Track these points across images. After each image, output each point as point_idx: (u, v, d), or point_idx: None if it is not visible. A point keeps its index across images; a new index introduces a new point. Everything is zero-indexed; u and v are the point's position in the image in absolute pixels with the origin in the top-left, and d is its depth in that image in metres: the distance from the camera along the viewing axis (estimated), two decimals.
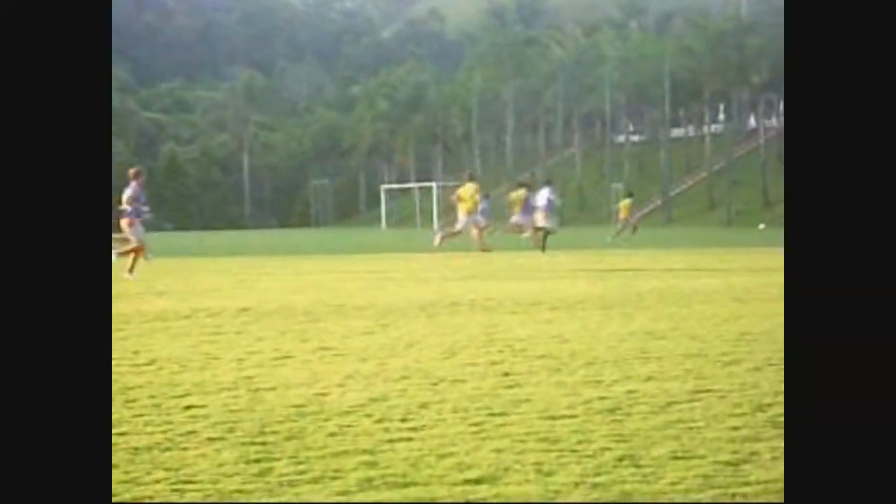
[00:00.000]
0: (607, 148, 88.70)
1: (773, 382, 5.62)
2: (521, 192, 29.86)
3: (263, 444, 4.23)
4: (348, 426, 4.57)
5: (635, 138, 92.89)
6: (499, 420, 4.68)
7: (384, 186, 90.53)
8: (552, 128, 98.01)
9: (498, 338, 7.81)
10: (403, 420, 4.69)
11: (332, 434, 4.41)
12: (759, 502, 3.24)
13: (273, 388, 5.59)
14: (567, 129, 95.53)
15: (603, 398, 5.22)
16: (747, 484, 3.55)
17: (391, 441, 4.27)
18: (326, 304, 10.97)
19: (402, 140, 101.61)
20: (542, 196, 28.68)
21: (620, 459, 3.91)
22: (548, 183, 30.18)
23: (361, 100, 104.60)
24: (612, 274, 17.19)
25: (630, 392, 5.38)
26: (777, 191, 66.03)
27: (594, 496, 3.42)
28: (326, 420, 4.71)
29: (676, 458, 3.93)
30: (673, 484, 3.56)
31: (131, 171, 19.53)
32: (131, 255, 18.55)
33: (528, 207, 28.63)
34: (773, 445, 4.10)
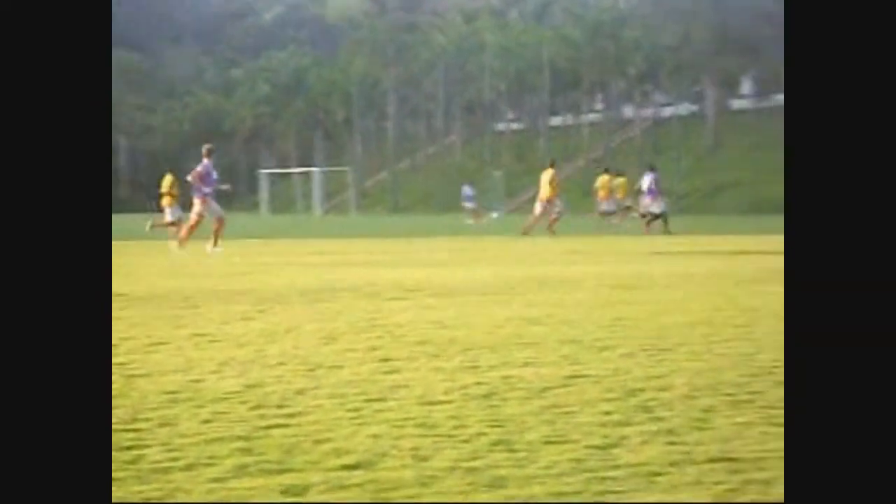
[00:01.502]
0: (487, 135, 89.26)
1: (644, 368, 5.74)
2: (606, 178, 31.54)
3: (136, 430, 4.18)
4: (223, 413, 4.54)
5: (515, 126, 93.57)
6: (376, 406, 4.69)
7: (264, 171, 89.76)
8: (433, 115, 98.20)
9: (378, 324, 7.82)
10: (279, 406, 4.68)
11: (207, 421, 4.37)
12: (759, 502, 3.31)
13: (146, 375, 5.52)
14: (448, 116, 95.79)
15: (479, 384, 5.27)
16: (616, 467, 3.62)
17: (267, 427, 4.25)
18: (204, 290, 10.86)
19: (282, 125, 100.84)
20: (647, 181, 30.07)
21: (495, 444, 3.95)
22: (651, 168, 31.60)
23: (242, 83, 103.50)
24: (491, 261, 17.33)
25: (506, 378, 5.44)
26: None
27: (468, 480, 3.46)
28: (200, 407, 4.67)
29: (550, 442, 3.99)
30: (546, 468, 3.62)
31: (205, 149, 20.21)
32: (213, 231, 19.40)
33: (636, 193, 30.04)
34: (642, 429, 4.20)
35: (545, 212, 28.21)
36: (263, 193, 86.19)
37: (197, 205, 20.20)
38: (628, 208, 34.30)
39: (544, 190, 28.10)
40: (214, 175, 20.28)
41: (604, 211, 34.13)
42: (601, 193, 34.23)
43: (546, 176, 28.38)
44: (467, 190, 51.15)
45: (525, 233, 27.83)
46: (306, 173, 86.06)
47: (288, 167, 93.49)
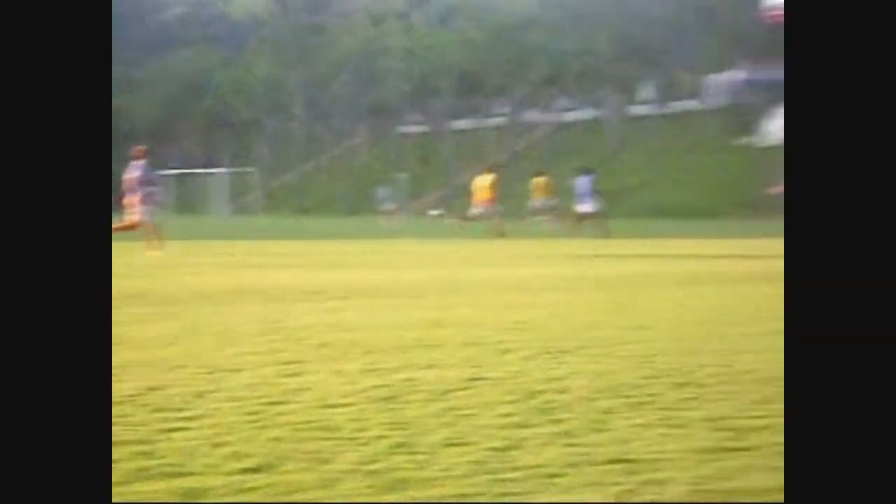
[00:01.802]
0: (392, 138, 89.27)
1: (545, 370, 5.80)
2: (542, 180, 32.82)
3: None
4: (122, 416, 4.49)
5: (419, 129, 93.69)
6: (277, 409, 4.68)
7: (168, 172, 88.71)
8: (338, 116, 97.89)
9: (281, 326, 7.79)
10: (180, 409, 4.64)
11: None
12: (755, 502, 3.34)
13: None
14: (353, 117, 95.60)
15: (381, 386, 5.28)
16: (516, 469, 3.66)
17: (167, 431, 4.21)
18: None
19: (187, 125, 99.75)
20: (583, 183, 31.21)
21: (396, 446, 3.97)
22: (587, 171, 33.35)
23: (146, 83, 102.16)
24: (395, 262, 17.34)
25: (408, 380, 5.46)
26: (555, 183, 67.59)
27: (368, 483, 3.47)
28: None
29: (450, 444, 4.02)
30: (446, 470, 3.64)
31: (138, 150, 19.80)
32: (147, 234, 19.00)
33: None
34: (541, 431, 4.24)
35: (493, 212, 29.41)
36: (168, 194, 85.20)
37: (134, 206, 20.07)
38: (553, 209, 35.01)
39: (482, 193, 29.37)
40: (150, 176, 20.25)
41: (536, 210, 34.92)
42: (535, 195, 35.09)
43: (484, 181, 29.71)
44: (382, 192, 51.43)
45: (500, 235, 28.68)
46: (212, 174, 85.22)
47: (193, 167, 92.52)
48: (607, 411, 4.67)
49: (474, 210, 30.14)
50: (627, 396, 5.01)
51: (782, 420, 4.42)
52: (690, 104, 73.99)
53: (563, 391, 5.15)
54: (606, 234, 30.32)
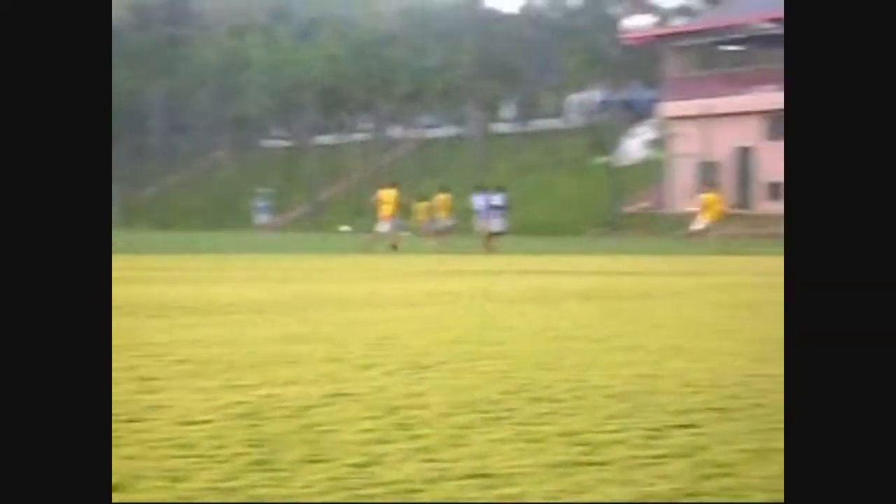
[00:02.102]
0: (255, 152, 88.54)
1: (405, 385, 5.82)
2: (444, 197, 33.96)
3: None
4: None
5: (283, 143, 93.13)
6: (132, 426, 4.60)
7: None
8: (201, 130, 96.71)
9: (137, 342, 7.66)
10: None
11: None
12: (759, 502, 3.35)
13: None
14: (215, 131, 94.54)
15: (240, 403, 5.24)
16: (375, 485, 3.67)
17: None
18: None
19: None
20: (496, 200, 34.15)
21: (254, 464, 3.94)
22: (499, 189, 35.40)
23: None
24: (257, 277, 17.20)
25: (268, 396, 5.43)
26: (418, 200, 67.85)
27: (225, 501, 3.45)
28: None
29: (310, 461, 4.01)
30: (304, 487, 3.63)
31: None
32: None
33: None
34: (400, 447, 4.27)
35: (398, 227, 30.83)
36: None
37: None
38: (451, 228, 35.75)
39: (387, 208, 30.74)
40: None
41: (438, 230, 35.74)
42: (432, 213, 36.07)
43: (388, 195, 31.15)
44: (261, 205, 51.11)
45: (437, 238, 29.75)
46: None
47: None
48: (465, 426, 4.71)
49: (382, 226, 31.23)
50: (485, 411, 5.07)
51: (635, 434, 4.53)
52: (552, 123, 75.06)
53: (423, 406, 5.18)
54: (494, 250, 31.73)
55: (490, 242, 32.78)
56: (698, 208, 33.25)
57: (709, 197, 33.41)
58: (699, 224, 32.91)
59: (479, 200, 34.59)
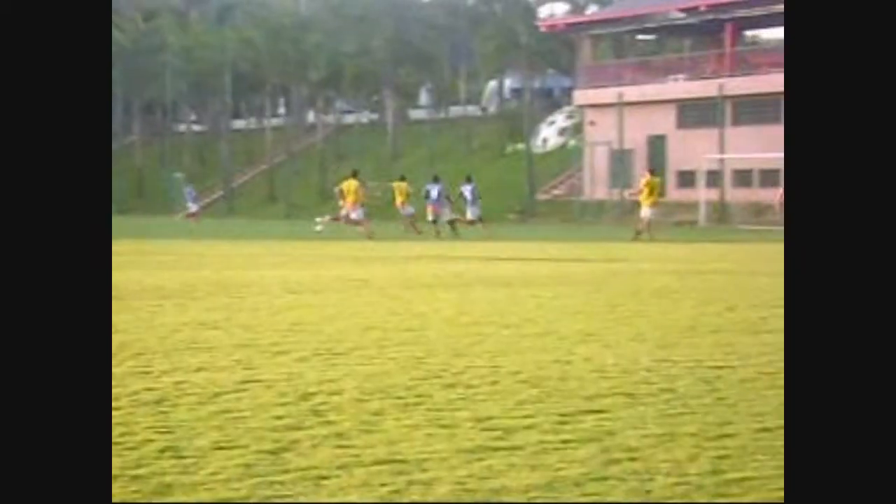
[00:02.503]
0: (168, 136, 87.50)
1: (318, 372, 5.81)
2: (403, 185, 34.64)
3: None
4: None
5: (197, 128, 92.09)
6: None
7: None
8: (112, 114, 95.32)
9: None
10: None
11: None
12: (756, 502, 3.35)
13: None
14: (127, 115, 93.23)
15: (150, 389, 5.19)
16: (286, 472, 3.66)
17: None
18: None
19: None
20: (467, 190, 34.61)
21: (162, 451, 3.92)
22: (468, 179, 35.79)
23: None
24: (169, 263, 17.01)
25: (178, 383, 5.39)
26: (334, 186, 67.64)
27: (133, 488, 3.42)
28: None
29: (219, 448, 3.99)
30: (213, 474, 3.61)
31: None
32: None
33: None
34: (313, 433, 4.26)
35: (357, 216, 31.27)
36: None
37: None
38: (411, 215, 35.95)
39: (351, 197, 31.24)
40: None
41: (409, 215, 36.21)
42: (399, 200, 36.40)
43: (349, 185, 31.60)
44: (189, 192, 50.61)
45: (370, 238, 30.06)
46: None
47: None
48: (379, 412, 4.72)
49: (353, 214, 31.87)
50: (399, 397, 5.08)
51: (546, 419, 4.57)
52: (468, 110, 75.17)
53: (336, 392, 5.18)
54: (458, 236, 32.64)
55: (457, 228, 34.00)
56: (642, 194, 31.69)
57: (653, 181, 31.87)
58: (647, 213, 31.59)
59: (432, 190, 35.70)
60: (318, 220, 34.45)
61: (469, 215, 34.96)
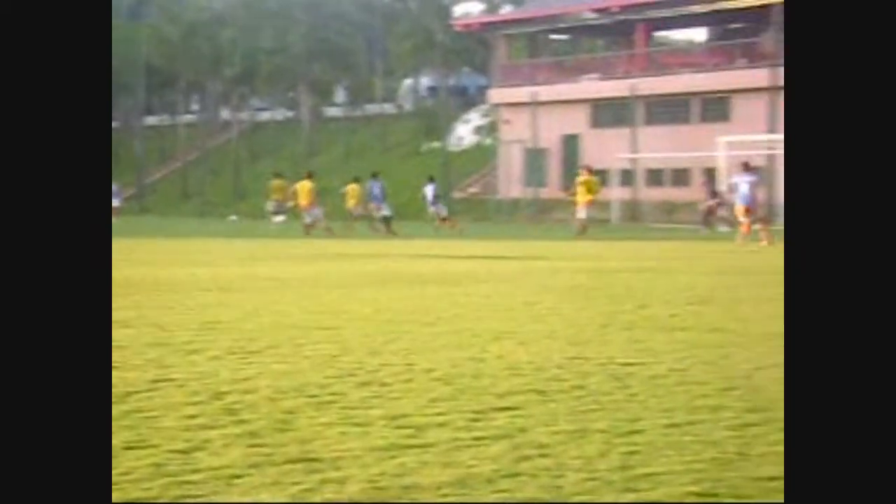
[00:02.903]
0: None
1: (232, 370, 5.79)
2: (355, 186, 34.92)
3: None
4: None
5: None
6: None
7: None
8: None
9: None
10: None
11: None
12: (758, 502, 3.34)
13: None
14: None
15: None
16: (197, 471, 3.65)
17: None
18: None
19: None
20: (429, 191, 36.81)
21: None
22: (431, 179, 37.78)
23: None
24: None
25: None
26: (248, 183, 67.20)
27: None
28: None
29: (130, 447, 3.97)
30: (123, 474, 3.59)
31: None
32: None
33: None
34: (225, 432, 4.25)
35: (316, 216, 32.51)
36: None
37: None
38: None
39: (305, 198, 31.42)
40: None
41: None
42: (351, 202, 36.34)
43: (304, 186, 32.62)
44: (114, 188, 50.15)
45: (331, 233, 30.80)
46: None
47: None
48: (292, 411, 4.72)
49: (308, 218, 32.40)
50: (313, 396, 5.08)
51: (459, 417, 4.61)
52: (383, 108, 75.08)
53: (249, 391, 5.17)
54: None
55: (443, 226, 35.49)
56: (579, 193, 31.29)
57: (589, 180, 31.42)
58: (583, 212, 31.44)
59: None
60: (275, 219, 34.94)
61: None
